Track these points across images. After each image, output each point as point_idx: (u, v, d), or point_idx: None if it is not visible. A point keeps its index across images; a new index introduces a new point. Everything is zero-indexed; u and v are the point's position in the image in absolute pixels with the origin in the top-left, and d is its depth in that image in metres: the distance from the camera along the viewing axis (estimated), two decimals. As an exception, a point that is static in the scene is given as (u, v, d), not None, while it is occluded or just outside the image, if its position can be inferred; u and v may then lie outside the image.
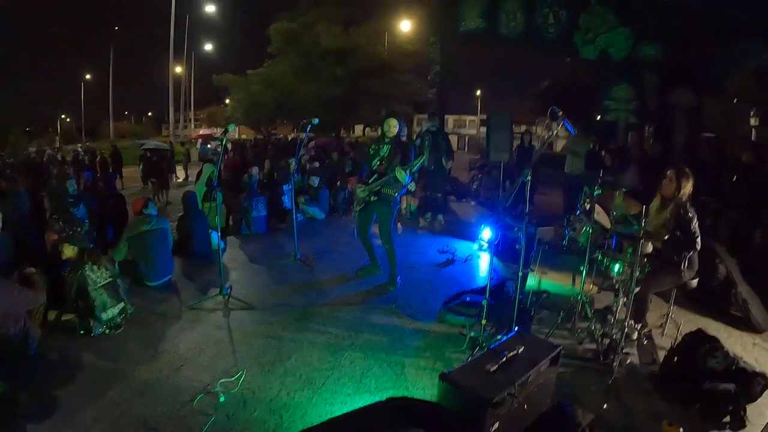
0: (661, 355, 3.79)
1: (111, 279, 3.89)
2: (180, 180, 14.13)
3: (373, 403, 2.14)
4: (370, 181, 4.94)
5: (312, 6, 21.37)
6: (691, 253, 3.69)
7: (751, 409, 3.04)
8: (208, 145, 16.92)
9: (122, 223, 6.00)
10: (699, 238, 3.66)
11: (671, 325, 4.14)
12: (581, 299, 3.92)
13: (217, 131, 33.17)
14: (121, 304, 3.90)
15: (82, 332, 3.67)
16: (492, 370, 2.41)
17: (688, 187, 3.72)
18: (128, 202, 7.21)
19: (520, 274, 3.91)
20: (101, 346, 3.64)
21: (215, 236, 6.39)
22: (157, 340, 3.75)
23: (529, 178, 3.64)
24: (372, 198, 4.93)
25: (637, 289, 3.59)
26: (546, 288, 4.35)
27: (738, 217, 4.95)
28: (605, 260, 3.95)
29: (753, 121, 9.01)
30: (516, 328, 3.92)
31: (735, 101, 8.77)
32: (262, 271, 5.64)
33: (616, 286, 4.06)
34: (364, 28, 21.28)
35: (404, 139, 5.00)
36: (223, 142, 4.85)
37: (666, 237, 3.59)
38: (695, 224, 3.64)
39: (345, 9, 21.33)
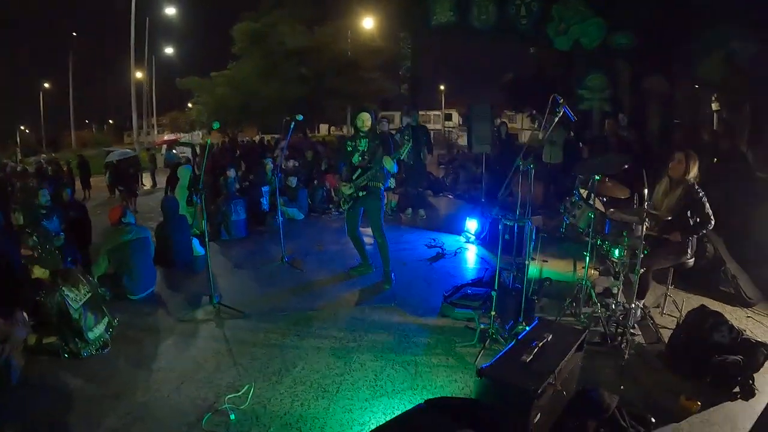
0: (663, 333, 3.87)
1: (90, 293, 3.59)
2: (147, 187, 13.56)
3: (415, 408, 2.02)
4: (354, 177, 4.87)
5: (275, 5, 20.93)
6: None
7: (756, 378, 3.12)
8: (174, 151, 16.31)
9: (85, 234, 5.59)
10: (712, 215, 3.73)
11: (668, 304, 4.21)
12: (585, 284, 3.91)
13: (182, 136, 32.14)
14: (106, 319, 3.62)
15: (66, 355, 3.37)
16: (527, 360, 2.34)
17: (695, 169, 3.80)
18: (96, 213, 6.79)
19: (527, 263, 3.87)
20: (90, 368, 3.35)
21: (196, 243, 6.13)
22: (150, 358, 3.49)
23: (532, 167, 3.61)
24: (360, 193, 4.88)
25: (642, 270, 3.61)
26: (548, 276, 4.33)
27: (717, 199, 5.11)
28: (606, 244, 3.97)
29: (714, 106, 9.38)
30: (520, 318, 3.93)
31: (696, 87, 9.09)
32: (250, 276, 5.41)
33: (617, 269, 4.08)
34: (328, 26, 21.01)
35: (387, 129, 4.94)
36: (208, 143, 4.58)
37: (669, 218, 3.64)
38: (707, 203, 3.71)
39: (308, 8, 20.97)
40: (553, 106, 3.47)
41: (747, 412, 2.90)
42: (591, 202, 3.89)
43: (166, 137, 27.28)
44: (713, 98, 9.42)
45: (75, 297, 3.42)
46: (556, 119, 3.55)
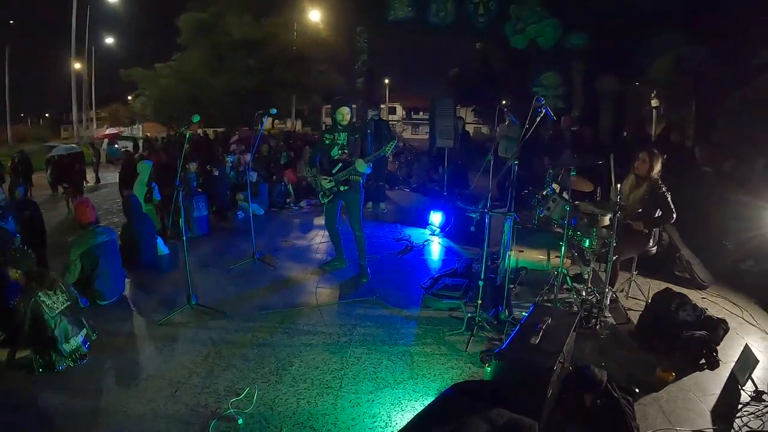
0: (631, 314, 4.20)
1: (69, 302, 3.34)
2: (90, 184, 12.65)
3: (445, 394, 2.10)
4: (334, 171, 4.85)
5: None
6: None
7: (719, 350, 3.48)
8: (116, 145, 15.24)
9: (40, 235, 5.16)
10: (674, 209, 4.06)
11: (632, 289, 4.57)
12: (561, 272, 4.15)
13: (125, 130, 30.17)
14: (84, 331, 3.38)
15: (41, 369, 3.11)
16: (536, 342, 2.48)
17: (658, 166, 4.13)
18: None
19: (510, 253, 4.04)
20: (71, 382, 3.10)
21: (161, 242, 5.85)
22: (136, 366, 3.30)
23: (515, 162, 3.79)
24: (342, 188, 4.88)
25: (615, 257, 3.89)
26: (524, 265, 4.54)
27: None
28: (578, 235, 4.22)
29: (654, 102, 10.12)
30: (501, 307, 4.12)
31: (637, 84, 9.75)
32: (222, 275, 5.23)
33: (587, 257, 4.37)
34: (276, 17, 20.51)
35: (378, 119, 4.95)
36: (188, 136, 4.35)
37: (639, 210, 3.94)
38: (669, 197, 4.04)
39: (256, -2, 20.39)
40: (535, 105, 3.65)
41: (715, 379, 3.27)
42: (564, 195, 4.11)
43: (107, 131, 25.52)
44: (653, 95, 10.18)
45: (52, 304, 3.16)
46: (538, 118, 3.74)
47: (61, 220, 8.32)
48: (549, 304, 4.03)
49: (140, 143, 17.25)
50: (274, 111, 5.32)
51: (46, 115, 48.11)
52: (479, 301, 3.81)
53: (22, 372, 3.11)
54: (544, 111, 3.67)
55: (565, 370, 2.54)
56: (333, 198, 4.99)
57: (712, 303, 4.49)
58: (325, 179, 4.91)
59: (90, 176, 12.76)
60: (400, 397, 2.96)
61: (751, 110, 6.05)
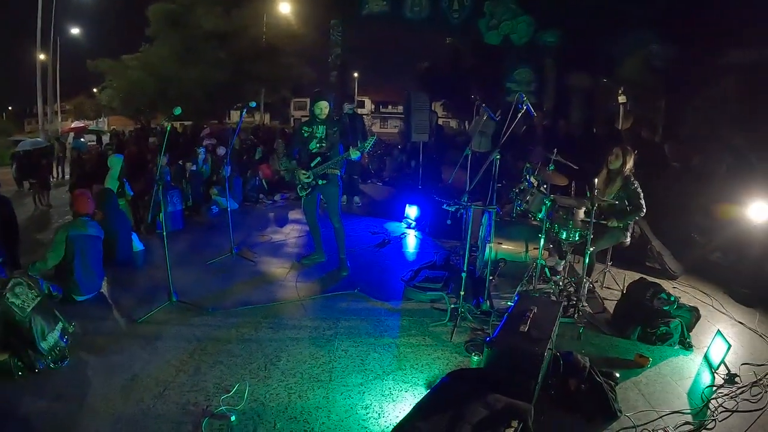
0: (606, 304, 4.38)
1: (40, 297, 3.21)
2: (56, 179, 12.11)
3: (442, 382, 2.15)
4: (312, 165, 4.85)
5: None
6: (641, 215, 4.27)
7: (692, 335, 3.75)
8: (82, 139, 14.60)
9: (12, 232, 4.94)
10: (644, 204, 4.23)
11: (606, 279, 4.76)
12: (540, 263, 4.27)
13: (91, 123, 28.88)
14: (60, 324, 3.26)
15: (20, 373, 2.98)
16: (525, 330, 2.57)
17: (631, 162, 4.29)
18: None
19: (490, 246, 4.13)
20: (54, 385, 2.96)
21: (135, 238, 5.69)
22: (120, 366, 3.19)
23: (497, 157, 3.88)
24: (320, 182, 4.89)
25: (592, 249, 4.03)
26: (502, 257, 4.65)
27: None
28: (555, 227, 4.35)
29: (621, 99, 10.48)
30: (482, 299, 4.22)
31: (605, 81, 10.07)
32: (201, 271, 5.14)
33: (564, 249, 4.52)
34: (246, 9, 20.06)
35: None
36: (168, 129, 4.21)
37: (615, 203, 4.11)
38: (641, 193, 4.21)
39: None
40: (517, 102, 3.75)
41: (689, 364, 3.47)
42: (548, 189, 4.23)
43: (73, 125, 24.41)
44: (619, 92, 10.53)
45: (22, 303, 3.02)
46: (520, 115, 3.83)
47: (29, 217, 7.93)
48: (533, 294, 4.16)
49: (103, 137, 16.57)
50: (253, 104, 5.23)
51: (9, 108, 45.72)
52: (462, 293, 3.89)
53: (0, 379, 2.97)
54: (525, 107, 3.76)
55: (554, 355, 2.63)
56: (311, 191, 4.99)
57: (683, 292, 4.71)
58: (304, 173, 4.89)
59: (54, 170, 12.22)
60: (390, 388, 3.00)
61: (717, 108, 6.36)
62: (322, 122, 4.82)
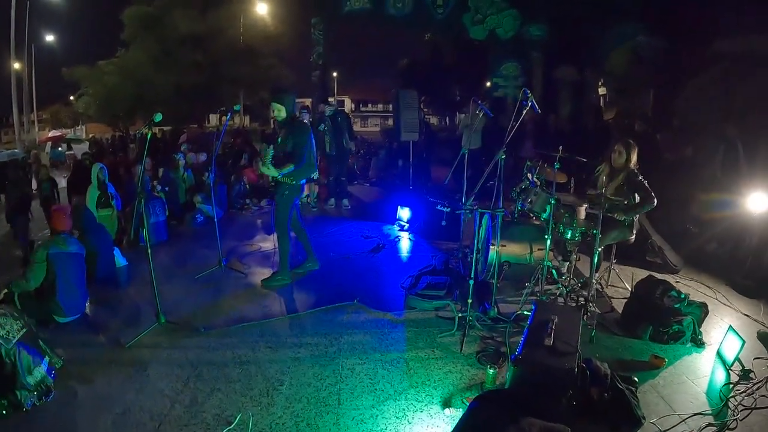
0: (613, 303, 4.27)
1: (26, 329, 2.95)
2: (36, 191, 11.59)
3: (472, 408, 1.99)
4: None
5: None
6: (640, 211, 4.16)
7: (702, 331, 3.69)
8: (60, 148, 14.10)
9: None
10: (653, 193, 4.13)
11: (611, 277, 4.66)
12: (546, 264, 4.14)
13: (68, 132, 27.97)
14: (47, 358, 3.00)
15: (4, 412, 2.71)
16: (551, 343, 2.42)
17: (634, 156, 4.18)
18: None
19: (495, 249, 3.98)
20: (40, 423, 2.71)
21: (118, 253, 5.40)
22: (110, 399, 2.94)
23: (503, 157, 3.73)
24: (271, 186, 4.74)
25: (600, 249, 3.91)
26: (506, 260, 4.50)
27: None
28: (560, 227, 4.22)
29: (601, 91, 10.47)
30: (487, 304, 4.06)
31: (585, 73, 10.03)
32: (190, 286, 4.86)
33: (568, 249, 4.40)
34: (223, 10, 19.65)
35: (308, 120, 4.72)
36: (149, 137, 3.92)
37: (626, 202, 4.00)
38: (646, 183, 4.10)
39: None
40: (522, 97, 3.60)
41: (703, 360, 3.42)
42: (553, 188, 4.10)
43: (50, 134, 23.65)
44: (600, 83, 10.51)
45: (6, 334, 2.76)
46: (524, 111, 3.69)
47: (5, 233, 7.51)
48: (546, 300, 4.03)
49: (76, 146, 16.05)
50: (237, 107, 5.01)
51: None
52: (469, 300, 3.72)
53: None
54: (530, 104, 3.61)
55: (581, 368, 2.50)
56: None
57: (686, 286, 4.65)
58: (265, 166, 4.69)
59: (35, 183, 11.70)
60: (404, 409, 2.82)
61: (707, 98, 6.34)
62: (281, 126, 4.66)
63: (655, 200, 4.10)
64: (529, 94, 3.60)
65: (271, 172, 4.45)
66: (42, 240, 4.11)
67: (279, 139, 4.64)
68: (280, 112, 4.57)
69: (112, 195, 6.38)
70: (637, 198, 4.18)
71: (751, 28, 6.34)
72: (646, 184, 4.13)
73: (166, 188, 7.53)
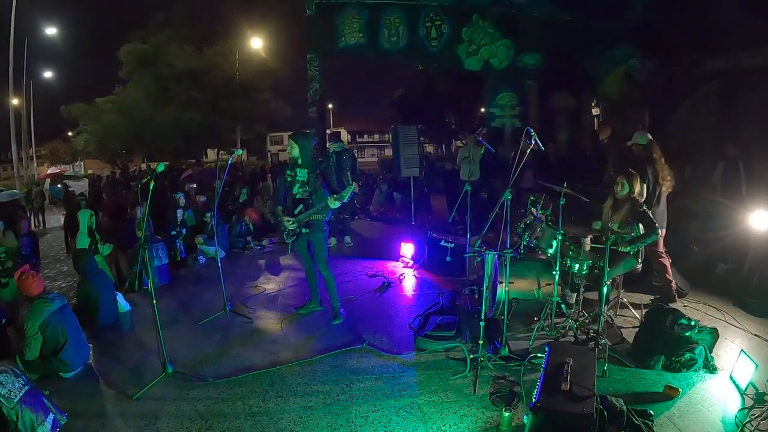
0: (623, 333, 4.23)
1: (28, 387, 2.90)
2: (38, 228, 11.57)
3: None
4: (296, 212, 4.68)
5: (163, 26, 19.42)
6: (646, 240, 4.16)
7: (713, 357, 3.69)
8: (59, 186, 14.21)
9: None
10: (655, 222, 4.16)
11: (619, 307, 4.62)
12: (555, 300, 4.12)
13: (68, 169, 28.13)
14: (51, 416, 2.94)
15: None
16: (567, 388, 2.39)
17: (637, 186, 4.21)
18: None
19: (503, 288, 3.96)
20: None
21: (121, 298, 5.36)
22: (115, 456, 2.89)
23: (509, 197, 3.76)
24: (303, 230, 4.70)
25: (609, 282, 3.90)
26: (514, 296, 4.47)
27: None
28: (567, 260, 4.22)
29: (594, 111, 10.58)
30: (497, 343, 4.01)
31: (580, 96, 10.16)
32: (195, 332, 4.81)
33: (576, 282, 4.38)
34: (218, 47, 20.08)
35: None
36: (152, 187, 3.89)
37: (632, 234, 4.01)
38: (647, 212, 4.12)
39: (196, 28, 19.84)
40: (525, 137, 3.66)
41: (716, 386, 3.42)
42: (560, 223, 4.11)
43: (49, 171, 23.78)
44: (593, 104, 10.65)
45: (8, 393, 2.72)
46: (528, 150, 3.74)
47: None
48: (558, 340, 3.99)
49: (72, 183, 16.05)
50: (239, 152, 5.05)
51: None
52: (481, 341, 3.68)
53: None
54: (533, 142, 3.66)
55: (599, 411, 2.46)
56: (296, 239, 4.81)
57: (694, 309, 4.65)
58: (288, 220, 4.70)
59: (36, 220, 11.72)
60: (420, 459, 2.75)
61: (702, 117, 6.43)
62: (302, 165, 4.68)
63: (659, 231, 4.12)
64: (533, 133, 3.65)
65: (340, 199, 4.42)
66: (25, 313, 3.96)
67: (303, 179, 4.68)
68: (293, 149, 4.67)
69: (99, 239, 6.34)
70: (641, 228, 4.19)
71: (739, 45, 6.47)
72: (650, 215, 4.15)
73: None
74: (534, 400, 2.43)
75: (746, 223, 4.80)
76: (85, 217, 6.36)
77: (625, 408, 2.79)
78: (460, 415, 3.18)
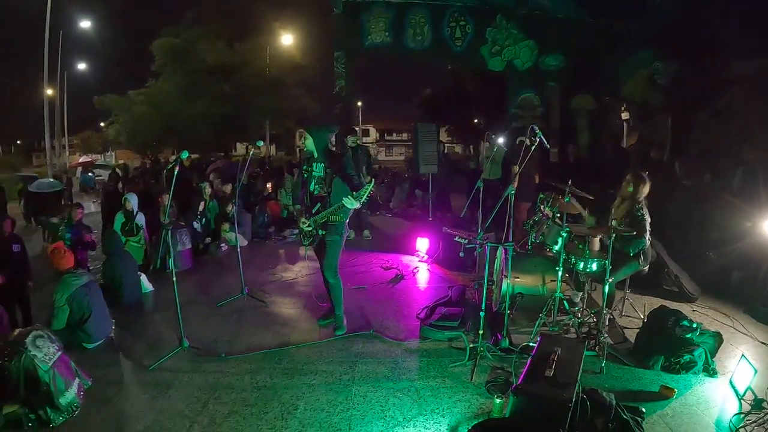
0: (626, 333, 4.26)
1: (60, 352, 3.17)
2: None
3: None
4: (314, 211, 4.28)
5: (195, 21, 20.05)
6: (646, 244, 4.17)
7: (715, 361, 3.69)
8: (90, 174, 14.84)
9: (24, 276, 4.92)
10: (646, 230, 4.17)
11: (624, 307, 4.66)
12: (558, 296, 4.18)
13: (98, 158, 29.36)
14: (77, 380, 3.21)
15: (30, 425, 2.91)
16: (551, 375, 2.48)
17: (642, 189, 4.21)
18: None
19: (507, 281, 4.05)
20: None
21: (144, 279, 5.66)
22: (131, 419, 3.12)
23: (513, 192, 3.84)
24: (320, 232, 4.28)
25: (611, 280, 3.94)
26: (519, 291, 4.55)
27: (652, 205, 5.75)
28: (572, 258, 4.27)
29: (624, 116, 10.45)
30: (499, 335, 4.10)
31: (606, 99, 10.05)
32: (213, 313, 5.06)
33: (581, 280, 4.43)
34: (249, 43, 20.57)
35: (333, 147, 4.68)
36: (176, 172, 4.14)
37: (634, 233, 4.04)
38: (644, 218, 4.14)
39: (229, 24, 20.39)
40: (530, 134, 3.74)
41: (714, 390, 3.41)
42: (564, 220, 4.17)
43: (81, 159, 24.85)
44: (623, 108, 10.52)
45: (44, 357, 2.99)
46: (533, 147, 3.81)
47: (38, 254, 7.91)
48: (554, 333, 4.06)
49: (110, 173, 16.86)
50: (260, 143, 5.26)
51: (18, 142, 46.72)
52: (481, 332, 3.78)
53: (9, 430, 2.90)
54: (538, 139, 3.74)
55: (582, 399, 2.54)
56: (313, 241, 4.39)
57: (703, 315, 4.63)
58: (303, 221, 4.35)
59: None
60: (413, 437, 2.89)
61: (725, 122, 6.32)
62: (318, 159, 4.29)
63: (646, 239, 4.12)
64: (537, 130, 3.71)
65: (358, 199, 3.84)
66: (55, 285, 4.20)
67: (320, 174, 4.28)
68: (306, 141, 4.34)
69: (139, 226, 6.68)
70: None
71: (764, 48, 6.33)
72: (645, 222, 4.15)
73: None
74: (518, 383, 2.53)
75: (763, 230, 4.74)
76: (125, 200, 6.78)
77: (614, 402, 2.84)
78: (455, 399, 3.30)
